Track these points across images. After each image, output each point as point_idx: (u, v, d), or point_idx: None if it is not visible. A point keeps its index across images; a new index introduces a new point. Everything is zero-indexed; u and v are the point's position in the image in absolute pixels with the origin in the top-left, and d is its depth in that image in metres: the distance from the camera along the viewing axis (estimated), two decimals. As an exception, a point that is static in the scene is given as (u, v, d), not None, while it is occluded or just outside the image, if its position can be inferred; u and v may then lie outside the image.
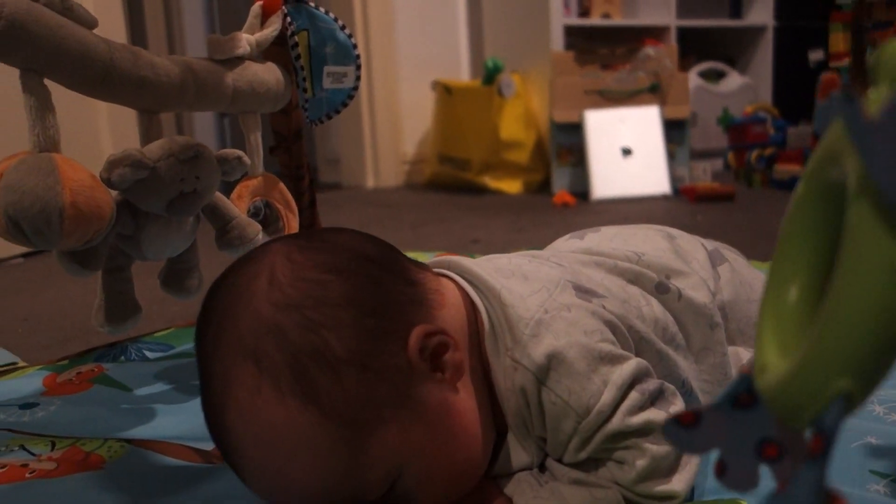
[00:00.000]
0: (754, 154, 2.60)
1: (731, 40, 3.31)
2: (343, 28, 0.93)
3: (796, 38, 3.11)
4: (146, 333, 1.02)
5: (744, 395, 0.28)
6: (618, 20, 2.93)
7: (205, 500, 0.59)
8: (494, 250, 0.70)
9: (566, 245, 0.73)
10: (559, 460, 0.55)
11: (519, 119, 2.72)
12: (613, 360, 0.53)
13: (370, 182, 3.09)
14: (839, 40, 1.97)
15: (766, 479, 0.28)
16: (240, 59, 0.81)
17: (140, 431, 0.73)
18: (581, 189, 2.52)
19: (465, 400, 0.54)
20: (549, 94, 2.62)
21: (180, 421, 0.74)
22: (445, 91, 2.86)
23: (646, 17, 2.99)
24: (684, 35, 3.03)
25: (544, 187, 2.71)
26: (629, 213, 2.17)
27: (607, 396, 0.52)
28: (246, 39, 0.82)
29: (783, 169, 2.48)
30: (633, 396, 0.53)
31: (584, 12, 2.90)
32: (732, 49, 3.33)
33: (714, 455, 0.29)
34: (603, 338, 0.54)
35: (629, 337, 0.58)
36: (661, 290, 0.64)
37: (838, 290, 0.24)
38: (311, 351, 0.49)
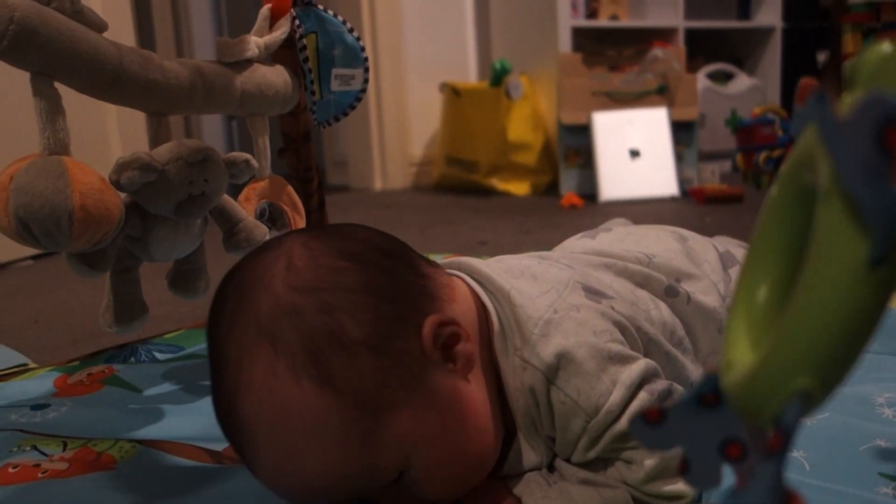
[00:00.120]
0: (763, 156, 2.59)
1: (739, 42, 3.31)
2: (351, 31, 0.93)
3: (805, 40, 3.10)
4: (156, 335, 1.03)
5: (709, 394, 0.28)
6: (626, 22, 2.93)
7: (216, 500, 0.59)
8: (502, 252, 0.70)
9: (578, 245, 0.73)
10: (568, 460, 0.56)
11: (527, 121, 2.72)
12: (622, 360, 0.54)
13: (378, 184, 3.10)
14: (851, 41, 1.96)
15: (729, 478, 0.28)
16: (248, 62, 0.82)
17: (151, 432, 0.73)
18: (589, 191, 2.52)
19: (476, 392, 0.54)
20: (557, 95, 2.62)
21: (190, 421, 0.75)
22: (453, 93, 2.87)
23: (654, 19, 2.98)
24: (692, 36, 3.03)
25: (552, 189, 2.71)
26: (637, 214, 2.17)
27: (616, 396, 0.52)
28: (255, 42, 0.82)
29: (792, 170, 2.47)
30: (642, 396, 0.53)
31: (592, 14, 2.90)
32: (741, 50, 3.32)
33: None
34: (612, 338, 0.55)
35: (638, 338, 0.58)
36: (670, 293, 0.65)
37: (804, 287, 0.24)
38: (328, 333, 0.49)
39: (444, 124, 2.97)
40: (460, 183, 2.87)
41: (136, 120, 0.84)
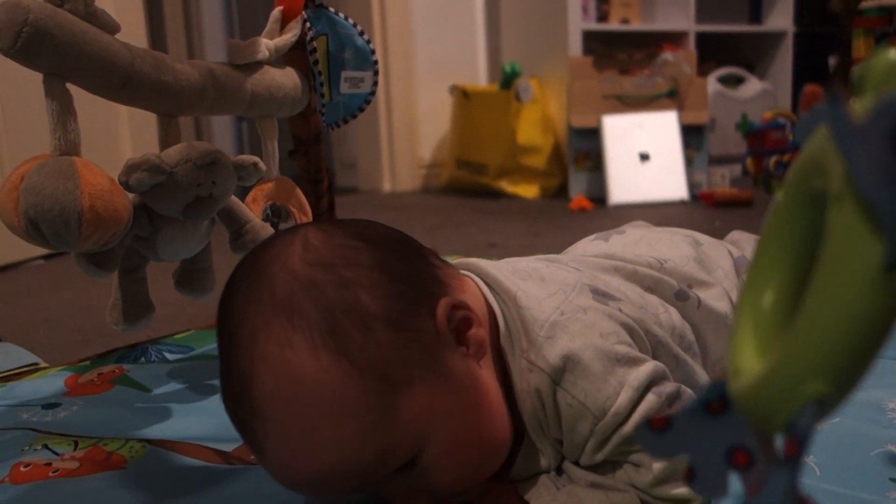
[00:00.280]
0: (773, 160, 2.58)
1: (750, 46, 3.30)
2: (362, 33, 0.93)
3: (816, 44, 3.09)
4: (166, 335, 1.03)
5: (715, 402, 0.28)
6: (636, 25, 2.92)
7: (225, 500, 0.60)
8: (511, 255, 0.70)
9: (590, 247, 0.72)
10: (576, 463, 0.55)
11: (536, 124, 2.72)
12: (630, 362, 0.53)
13: (387, 186, 3.10)
14: (863, 46, 1.96)
15: (737, 486, 0.28)
16: (258, 64, 0.82)
17: (160, 432, 0.73)
18: (598, 194, 2.51)
19: (489, 378, 0.54)
20: (567, 98, 2.62)
21: (200, 421, 0.75)
22: (463, 95, 2.87)
23: (664, 23, 2.98)
24: (703, 40, 3.02)
25: (561, 192, 2.71)
26: (647, 218, 2.14)
27: (623, 398, 0.52)
28: (265, 44, 0.82)
29: (802, 175, 2.46)
30: (650, 399, 0.52)
31: (603, 17, 2.89)
32: (751, 54, 3.31)
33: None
34: (619, 340, 0.54)
35: (646, 340, 0.58)
36: (680, 297, 0.64)
37: (816, 291, 0.23)
38: (346, 307, 0.49)
39: (454, 127, 2.97)
40: (469, 185, 2.87)
41: (146, 121, 0.85)
